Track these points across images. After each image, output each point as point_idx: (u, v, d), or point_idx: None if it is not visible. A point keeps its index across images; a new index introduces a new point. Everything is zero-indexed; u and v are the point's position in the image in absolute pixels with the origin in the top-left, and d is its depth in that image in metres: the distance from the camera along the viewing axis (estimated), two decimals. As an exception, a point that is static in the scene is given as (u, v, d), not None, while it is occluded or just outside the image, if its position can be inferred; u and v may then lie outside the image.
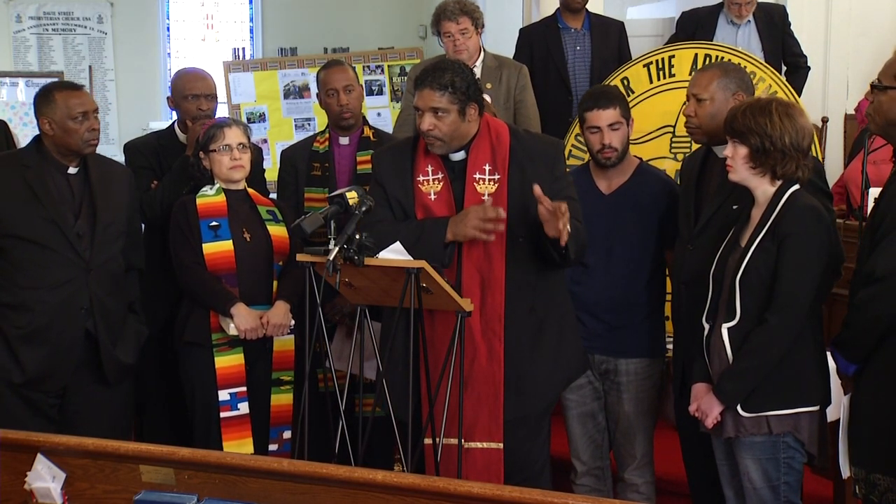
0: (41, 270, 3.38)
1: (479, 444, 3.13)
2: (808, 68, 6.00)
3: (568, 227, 2.91)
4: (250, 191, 3.70)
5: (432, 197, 3.15)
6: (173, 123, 4.21)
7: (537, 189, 2.94)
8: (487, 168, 3.14)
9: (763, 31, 5.84)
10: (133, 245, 3.64)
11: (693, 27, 5.86)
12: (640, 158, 3.73)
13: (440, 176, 3.16)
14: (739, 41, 5.73)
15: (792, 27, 5.98)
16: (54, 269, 3.39)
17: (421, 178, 3.17)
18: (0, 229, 3.38)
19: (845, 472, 2.96)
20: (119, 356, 3.52)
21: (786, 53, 5.93)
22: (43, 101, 3.45)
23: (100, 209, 3.49)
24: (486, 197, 3.11)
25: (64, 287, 3.40)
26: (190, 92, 4.07)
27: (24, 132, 7.49)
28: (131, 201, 3.65)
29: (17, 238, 3.38)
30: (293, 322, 3.56)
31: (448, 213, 3.12)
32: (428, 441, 3.07)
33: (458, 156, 3.17)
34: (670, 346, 3.59)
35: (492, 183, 3.13)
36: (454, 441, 3.06)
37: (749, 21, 5.83)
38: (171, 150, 4.05)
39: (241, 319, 3.47)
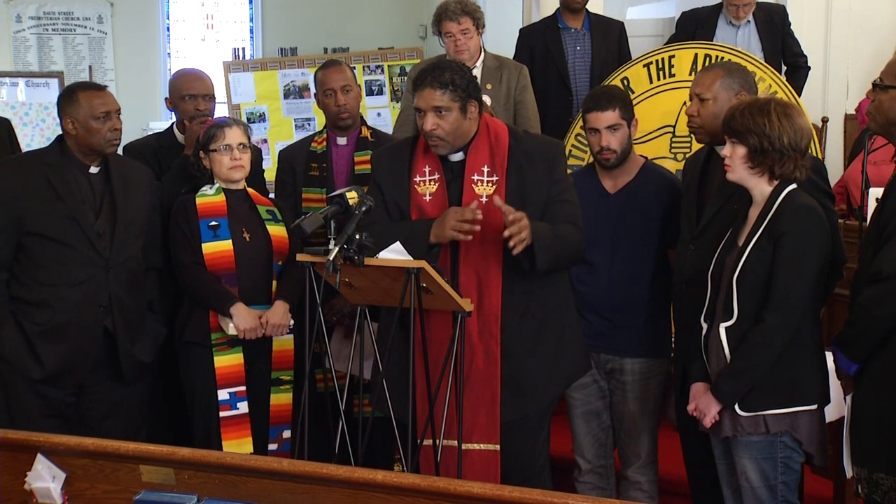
0: (61, 268, 3.40)
1: (476, 446, 3.13)
2: (808, 68, 5.99)
3: (523, 235, 2.89)
4: (250, 190, 3.70)
5: (427, 198, 3.14)
6: (173, 124, 4.21)
7: (497, 199, 2.94)
8: (486, 169, 3.13)
9: (763, 31, 5.83)
10: (152, 245, 3.65)
11: (693, 27, 5.85)
12: (646, 157, 3.71)
13: (436, 177, 3.15)
14: (739, 41, 5.72)
15: (792, 27, 5.97)
16: (74, 267, 3.41)
17: (418, 179, 3.16)
18: (22, 227, 3.40)
19: (849, 471, 2.96)
20: (137, 354, 3.53)
21: (786, 53, 5.92)
22: (67, 100, 3.48)
23: (120, 208, 3.51)
24: (483, 199, 3.10)
25: (83, 285, 3.42)
26: (187, 92, 4.07)
27: (24, 132, 7.49)
28: (151, 201, 3.67)
29: (38, 236, 3.40)
30: (292, 322, 3.56)
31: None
32: (427, 442, 3.07)
33: (457, 156, 3.16)
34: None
35: (490, 185, 3.12)
36: (452, 443, 3.06)
37: (749, 21, 5.82)
38: (170, 151, 4.05)
39: (241, 319, 3.48)
